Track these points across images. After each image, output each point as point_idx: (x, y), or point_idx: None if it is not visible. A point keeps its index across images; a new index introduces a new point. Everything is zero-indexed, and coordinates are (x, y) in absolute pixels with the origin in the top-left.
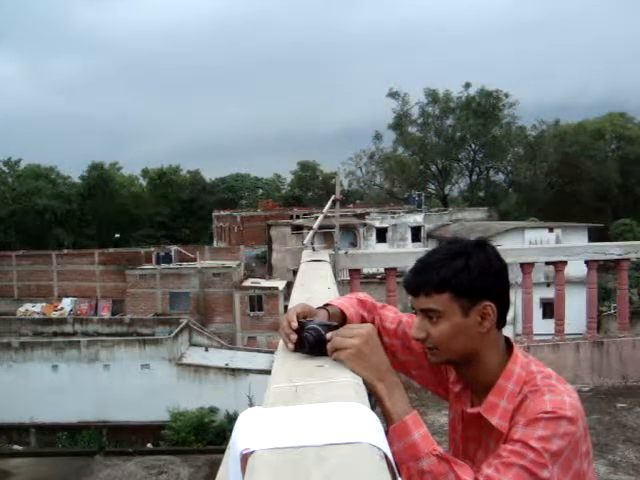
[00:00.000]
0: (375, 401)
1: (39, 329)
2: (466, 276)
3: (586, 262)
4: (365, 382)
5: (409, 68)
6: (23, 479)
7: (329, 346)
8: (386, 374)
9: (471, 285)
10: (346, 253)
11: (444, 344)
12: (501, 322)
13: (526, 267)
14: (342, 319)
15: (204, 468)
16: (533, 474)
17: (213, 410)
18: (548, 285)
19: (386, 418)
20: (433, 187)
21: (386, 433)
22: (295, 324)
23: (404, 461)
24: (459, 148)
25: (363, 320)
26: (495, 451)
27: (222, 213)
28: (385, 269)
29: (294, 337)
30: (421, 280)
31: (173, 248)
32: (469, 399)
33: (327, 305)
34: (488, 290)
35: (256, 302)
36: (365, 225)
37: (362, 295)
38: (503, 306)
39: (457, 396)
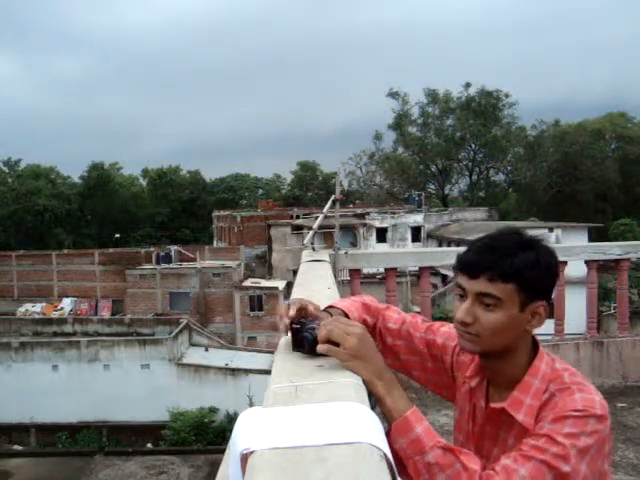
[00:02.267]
0: (375, 401)
1: (39, 329)
2: (536, 272)
3: (586, 262)
4: (364, 381)
5: (409, 68)
6: (23, 479)
7: (322, 332)
8: (384, 372)
9: (538, 281)
10: (346, 253)
11: (490, 335)
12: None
13: None
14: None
15: (204, 468)
16: (553, 468)
17: (213, 410)
18: None
19: (387, 416)
20: (433, 187)
21: (387, 432)
22: (292, 312)
23: (410, 456)
24: (459, 148)
25: (366, 324)
26: (514, 448)
27: (222, 213)
28: (385, 269)
29: (287, 322)
30: (487, 263)
31: (173, 248)
32: (484, 394)
33: (330, 307)
34: (546, 289)
35: (256, 302)
36: (365, 225)
37: (368, 298)
38: (548, 307)
39: (472, 390)
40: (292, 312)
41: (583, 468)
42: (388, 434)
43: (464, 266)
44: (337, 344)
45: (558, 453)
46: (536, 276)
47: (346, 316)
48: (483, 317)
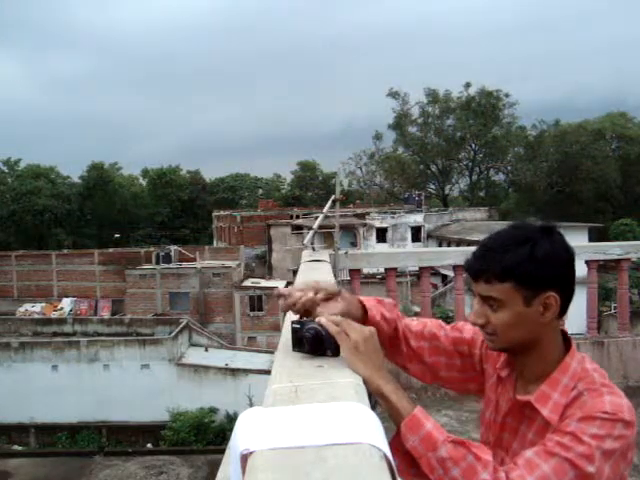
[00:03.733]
0: (375, 401)
1: (39, 329)
2: (530, 266)
3: (586, 262)
4: (366, 381)
5: (409, 68)
6: (22, 479)
7: (334, 319)
8: (385, 372)
9: (535, 275)
10: (346, 253)
11: (503, 333)
12: (563, 310)
13: None
14: (363, 312)
15: (204, 468)
16: (576, 467)
17: (213, 410)
18: None
19: (393, 414)
20: (433, 187)
21: (396, 432)
22: (307, 297)
23: (423, 454)
24: (459, 148)
25: (384, 317)
26: (534, 443)
27: (222, 213)
28: (385, 269)
29: (293, 300)
30: (482, 265)
31: (173, 248)
32: (512, 386)
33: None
34: (552, 280)
35: (256, 302)
36: (365, 225)
37: (387, 300)
38: (567, 295)
39: (501, 381)
40: (308, 296)
41: (606, 471)
42: (397, 434)
43: (466, 270)
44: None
45: (583, 453)
46: (532, 269)
47: (363, 306)
48: (492, 317)
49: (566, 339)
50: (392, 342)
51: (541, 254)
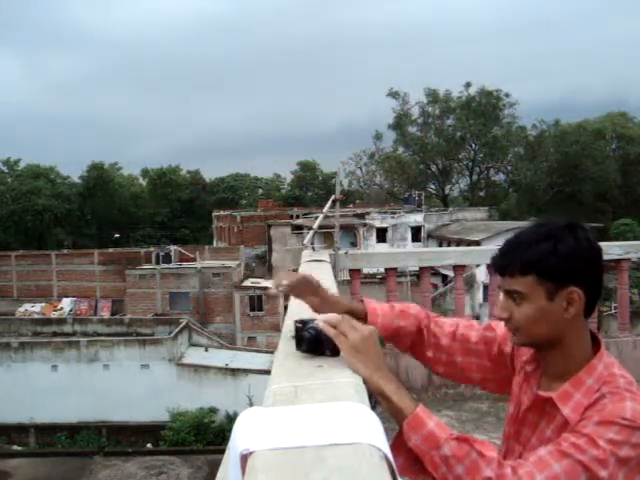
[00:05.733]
0: (375, 401)
1: (38, 329)
2: (553, 260)
3: None
4: (367, 382)
5: (409, 67)
6: (22, 479)
7: (332, 320)
8: (386, 371)
9: (557, 269)
10: (346, 253)
11: (526, 327)
12: (590, 309)
13: None
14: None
15: (204, 468)
16: (588, 471)
17: (213, 410)
18: None
19: (395, 414)
20: (433, 187)
21: (399, 431)
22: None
23: (426, 452)
24: (459, 148)
25: (400, 329)
26: (551, 441)
27: (222, 213)
28: (385, 269)
29: (284, 284)
30: (506, 261)
31: (173, 248)
32: (537, 382)
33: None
34: (576, 275)
35: (256, 302)
36: (365, 225)
37: (412, 306)
38: (593, 292)
39: (527, 376)
40: (289, 280)
41: (620, 478)
42: (400, 433)
43: (493, 266)
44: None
45: (597, 457)
46: (555, 264)
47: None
48: (516, 312)
49: (595, 340)
50: (416, 343)
51: (564, 249)
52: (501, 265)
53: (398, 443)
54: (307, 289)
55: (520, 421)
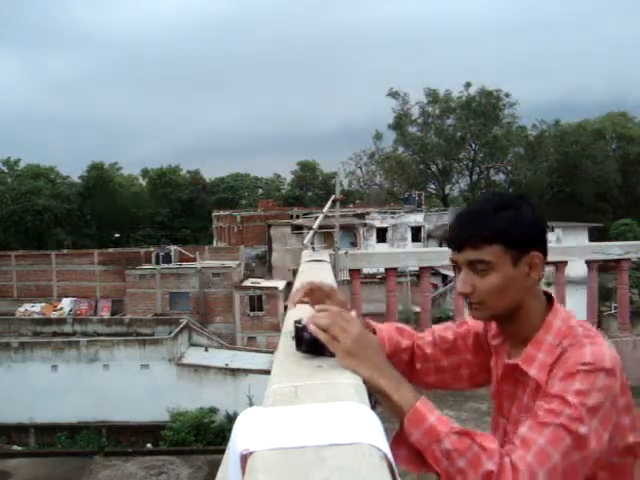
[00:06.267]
0: (375, 401)
1: (38, 329)
2: (516, 227)
3: (587, 262)
4: (367, 382)
5: (409, 67)
6: (22, 479)
7: (322, 322)
8: (386, 369)
9: (521, 236)
10: (346, 253)
11: (493, 298)
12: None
13: None
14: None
15: (204, 468)
16: (570, 431)
17: (213, 410)
18: (548, 285)
19: (396, 412)
20: (433, 187)
21: (400, 429)
22: (299, 297)
23: (427, 446)
24: (459, 148)
25: (398, 346)
26: (530, 408)
27: (222, 213)
28: (385, 269)
29: (296, 299)
30: (468, 232)
31: (173, 248)
32: (507, 353)
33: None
34: (536, 241)
35: (256, 302)
36: (365, 225)
37: (400, 325)
38: (545, 256)
39: (496, 350)
40: (299, 297)
41: (595, 425)
42: (401, 430)
43: (450, 242)
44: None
45: (572, 415)
46: (519, 231)
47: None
48: (480, 283)
49: (550, 299)
50: (409, 364)
51: (526, 217)
52: (462, 238)
53: (400, 437)
54: (321, 295)
55: (498, 394)
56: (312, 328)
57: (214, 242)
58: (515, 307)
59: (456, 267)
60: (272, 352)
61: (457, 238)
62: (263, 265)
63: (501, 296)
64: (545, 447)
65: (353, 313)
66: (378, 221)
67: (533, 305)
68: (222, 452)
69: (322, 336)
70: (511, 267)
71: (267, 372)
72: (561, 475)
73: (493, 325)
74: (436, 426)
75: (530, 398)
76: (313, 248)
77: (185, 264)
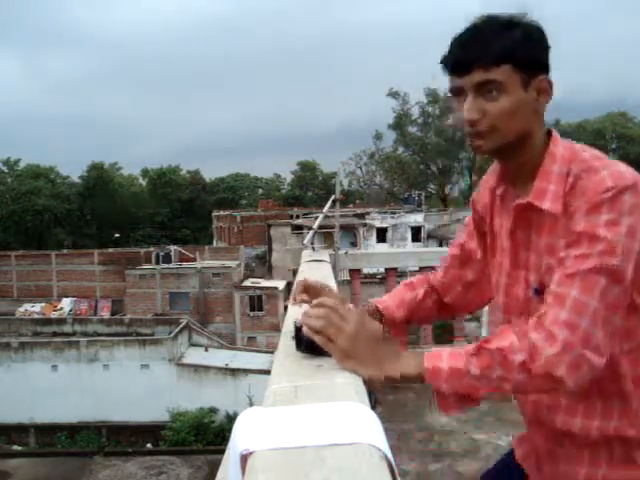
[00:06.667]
0: (375, 401)
1: (38, 329)
2: (527, 47)
3: None
4: (371, 381)
5: (409, 67)
6: (22, 479)
7: (316, 324)
8: (384, 361)
9: (531, 57)
10: (346, 253)
11: (505, 122)
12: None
13: None
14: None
15: (204, 468)
16: (603, 269)
17: (213, 410)
18: None
19: (415, 382)
20: (433, 187)
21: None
22: (297, 294)
23: (461, 386)
24: (459, 148)
25: (412, 301)
26: (550, 247)
27: (222, 213)
28: (385, 269)
29: (299, 298)
30: (475, 52)
31: (173, 248)
32: (514, 198)
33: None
34: (544, 64)
35: (256, 302)
36: (365, 225)
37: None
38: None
39: (502, 199)
40: (299, 298)
41: (636, 247)
42: (434, 391)
43: (454, 65)
44: None
45: (604, 250)
46: (529, 51)
47: (380, 315)
48: (491, 107)
49: (548, 131)
50: (438, 304)
51: (535, 36)
52: (470, 58)
53: (439, 396)
54: (317, 291)
55: (512, 247)
56: (305, 330)
57: (214, 242)
58: (524, 134)
59: (457, 96)
60: (272, 352)
61: (464, 58)
62: (263, 265)
63: (513, 120)
64: (579, 298)
65: (351, 306)
66: (378, 221)
67: (538, 133)
68: (222, 452)
69: (317, 338)
70: (522, 90)
71: (267, 372)
72: (603, 317)
73: (491, 179)
74: (453, 366)
75: (549, 238)
76: (313, 248)
77: (185, 264)
